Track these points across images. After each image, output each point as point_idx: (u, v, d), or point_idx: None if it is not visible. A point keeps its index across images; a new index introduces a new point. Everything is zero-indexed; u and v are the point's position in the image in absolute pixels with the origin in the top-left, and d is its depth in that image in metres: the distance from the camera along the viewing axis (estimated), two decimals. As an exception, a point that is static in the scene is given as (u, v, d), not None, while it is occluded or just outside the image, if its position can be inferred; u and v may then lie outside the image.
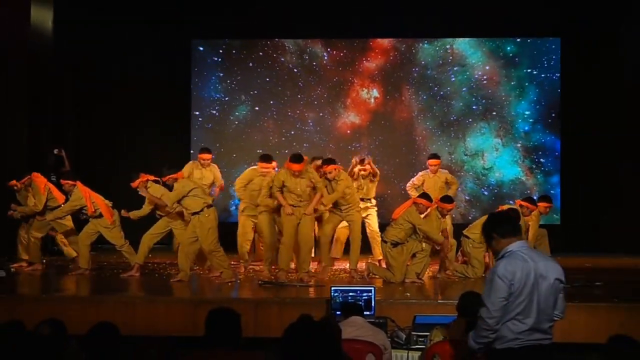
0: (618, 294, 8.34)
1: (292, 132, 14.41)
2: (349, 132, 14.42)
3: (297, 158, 9.63)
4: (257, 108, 14.41)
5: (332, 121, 14.43)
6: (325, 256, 10.28)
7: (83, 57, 13.62)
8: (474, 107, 14.26)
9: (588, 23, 13.59)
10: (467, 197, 14.06)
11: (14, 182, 10.66)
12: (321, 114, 14.42)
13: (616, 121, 13.47)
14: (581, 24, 13.63)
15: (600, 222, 13.45)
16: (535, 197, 11.45)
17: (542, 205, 10.77)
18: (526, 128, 14.20)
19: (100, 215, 10.20)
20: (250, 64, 14.43)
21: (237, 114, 14.45)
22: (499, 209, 10.12)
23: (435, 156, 11.71)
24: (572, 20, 13.64)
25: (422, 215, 9.65)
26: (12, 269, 10.28)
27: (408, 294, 8.53)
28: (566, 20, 13.71)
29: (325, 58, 14.46)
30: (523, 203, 10.46)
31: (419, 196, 9.91)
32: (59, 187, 10.73)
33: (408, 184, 11.72)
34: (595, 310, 7.67)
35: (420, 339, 6.42)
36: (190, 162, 11.53)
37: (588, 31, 13.65)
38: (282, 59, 14.47)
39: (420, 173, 11.80)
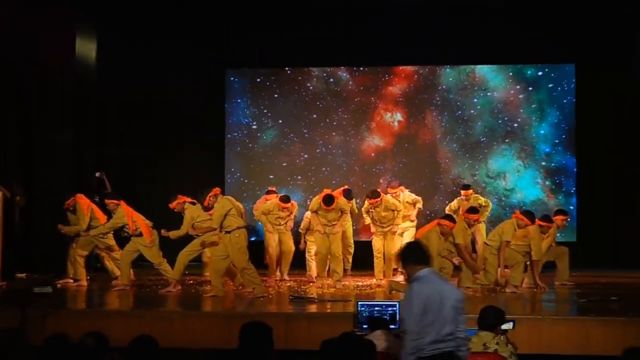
0: (633, 308, 8.28)
1: (318, 155, 14.29)
2: (373, 154, 14.29)
3: (328, 201, 10.76)
4: (283, 132, 14.34)
5: (357, 144, 14.31)
6: (379, 269, 11.51)
7: (124, 85, 13.82)
8: (496, 129, 14.10)
9: (601, 49, 13.50)
10: (490, 218, 13.38)
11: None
12: (346, 137, 14.31)
13: (629, 141, 13.39)
14: (594, 50, 13.54)
15: (615, 239, 13.27)
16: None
17: (558, 218, 10.83)
18: (547, 150, 13.99)
19: (141, 234, 10.32)
20: (277, 89, 14.40)
21: (264, 138, 14.37)
22: (515, 214, 10.32)
23: (466, 187, 12.30)
24: (586, 47, 13.56)
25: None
26: (58, 285, 10.40)
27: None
28: (580, 47, 13.61)
29: (350, 82, 14.39)
30: (542, 223, 10.37)
31: (442, 217, 9.95)
32: (102, 207, 10.89)
33: (447, 207, 12.20)
34: (611, 324, 7.62)
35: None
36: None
37: (601, 57, 13.53)
38: (308, 84, 14.40)
39: (457, 199, 12.25)
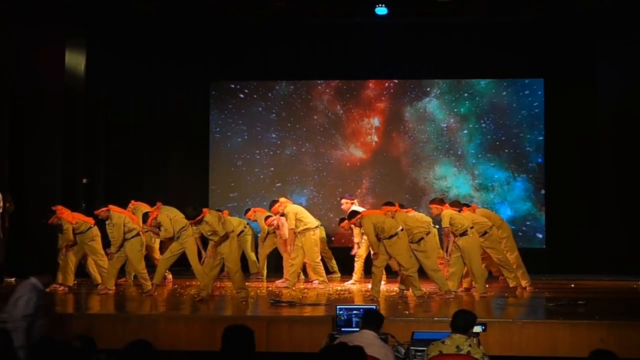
0: (598, 311, 8.34)
1: (290, 165, 13.57)
2: (348, 164, 13.47)
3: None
4: (252, 140, 13.65)
5: (331, 153, 13.47)
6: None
7: (112, 95, 13.82)
8: (483, 137, 13.15)
9: (567, 66, 13.52)
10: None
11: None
12: (318, 146, 13.49)
13: (594, 151, 13.36)
14: (561, 66, 13.56)
15: (582, 245, 13.25)
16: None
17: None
18: (539, 160, 13.15)
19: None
20: (247, 95, 13.77)
21: (229, 145, 13.75)
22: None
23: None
24: (554, 63, 13.55)
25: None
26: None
27: (407, 312, 8.53)
28: (548, 64, 13.55)
29: (323, 87, 13.60)
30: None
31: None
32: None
33: None
34: (578, 327, 7.66)
35: (418, 354, 6.42)
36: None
37: (567, 73, 13.50)
38: (277, 87, 13.69)
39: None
